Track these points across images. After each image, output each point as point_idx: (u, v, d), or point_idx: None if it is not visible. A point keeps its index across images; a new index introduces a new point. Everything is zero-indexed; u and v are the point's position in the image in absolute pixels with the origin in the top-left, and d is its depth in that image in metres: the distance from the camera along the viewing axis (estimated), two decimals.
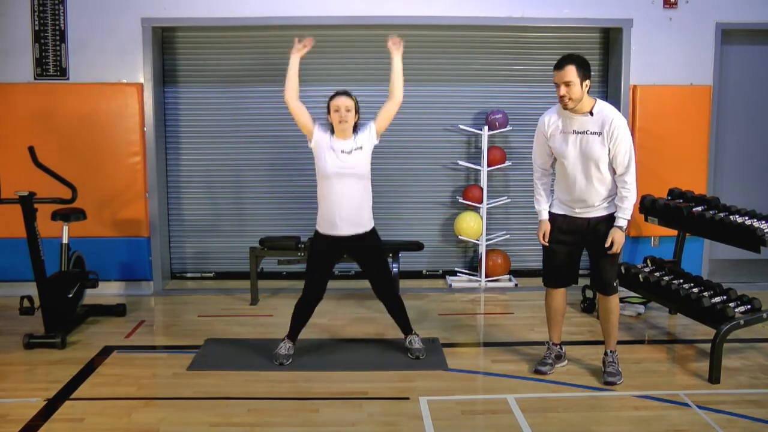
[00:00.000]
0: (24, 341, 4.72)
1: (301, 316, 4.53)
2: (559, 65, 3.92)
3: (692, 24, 6.17)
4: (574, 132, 3.97)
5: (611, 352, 4.23)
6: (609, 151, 3.92)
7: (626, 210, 3.98)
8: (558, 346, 4.40)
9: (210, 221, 6.61)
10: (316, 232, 4.41)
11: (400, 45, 4.32)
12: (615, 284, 4.16)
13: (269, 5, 6.03)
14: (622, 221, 3.99)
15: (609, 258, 4.07)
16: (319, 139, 4.29)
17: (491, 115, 6.32)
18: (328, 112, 4.31)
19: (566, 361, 4.44)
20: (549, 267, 4.27)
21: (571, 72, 3.86)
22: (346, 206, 4.27)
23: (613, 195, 4.04)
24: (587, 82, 3.90)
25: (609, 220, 4.05)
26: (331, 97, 4.31)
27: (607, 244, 3.99)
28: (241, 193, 6.56)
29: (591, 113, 3.93)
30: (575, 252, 4.20)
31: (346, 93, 4.31)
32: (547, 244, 4.21)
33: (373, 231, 4.43)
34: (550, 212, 4.21)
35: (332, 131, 4.31)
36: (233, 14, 6.04)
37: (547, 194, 4.23)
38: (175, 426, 3.64)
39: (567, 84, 3.86)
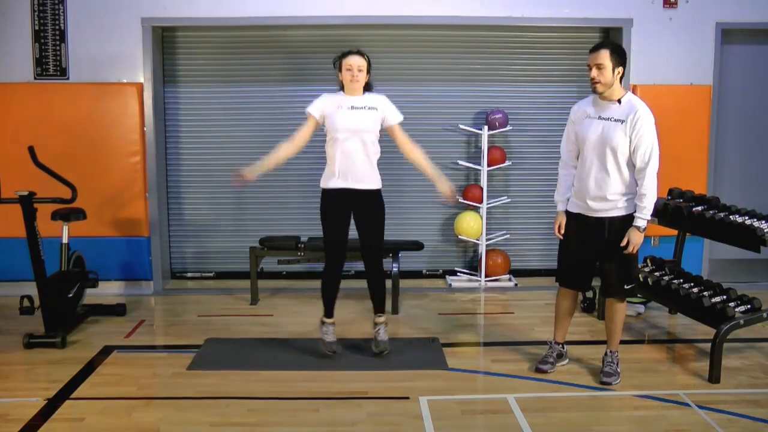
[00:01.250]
0: (24, 341, 4.72)
1: (330, 286, 4.54)
2: (595, 48, 3.95)
3: (692, 24, 6.17)
4: (600, 118, 3.97)
5: (611, 352, 4.23)
6: (630, 141, 3.88)
7: (645, 210, 3.90)
8: (560, 345, 4.40)
9: (210, 221, 6.61)
10: (323, 190, 4.41)
11: (448, 196, 4.61)
12: (627, 288, 4.10)
13: (269, 5, 6.03)
14: (640, 221, 3.92)
15: (619, 261, 4.03)
16: (324, 107, 4.34)
17: (491, 115, 6.32)
18: (339, 70, 4.34)
19: (567, 360, 4.44)
20: (562, 265, 4.26)
21: (604, 55, 3.87)
22: (354, 160, 4.29)
23: (629, 194, 3.97)
24: (620, 69, 3.91)
25: (623, 221, 3.98)
26: (344, 55, 4.34)
27: (623, 243, 3.94)
28: (241, 193, 6.55)
29: (619, 102, 3.94)
30: (589, 253, 4.13)
31: (359, 52, 4.33)
32: (561, 236, 4.21)
33: (380, 193, 4.45)
34: (567, 211, 4.18)
35: (341, 88, 4.36)
36: (233, 14, 6.04)
37: (568, 186, 4.20)
38: (175, 426, 3.64)
39: (599, 67, 3.88)
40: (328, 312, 4.60)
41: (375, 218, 4.46)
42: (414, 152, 4.49)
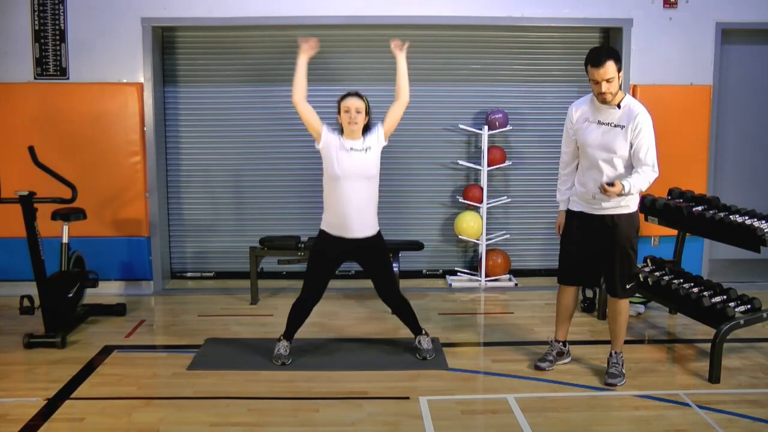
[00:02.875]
0: (24, 341, 4.72)
1: (298, 316, 4.51)
2: (598, 61, 3.81)
3: (692, 24, 6.17)
4: (599, 123, 3.96)
5: (616, 353, 4.21)
6: (631, 145, 3.88)
7: (632, 181, 3.79)
8: (561, 344, 4.40)
9: (210, 221, 6.61)
10: (322, 231, 4.38)
11: (403, 47, 4.30)
12: (628, 287, 4.11)
13: (270, 5, 6.03)
14: (627, 185, 3.79)
15: (621, 259, 4.04)
16: (328, 141, 4.26)
17: (491, 115, 6.32)
18: (338, 113, 4.31)
19: (570, 358, 4.44)
20: (562, 264, 4.27)
21: (611, 68, 3.81)
22: (355, 208, 4.23)
23: (630, 195, 3.98)
24: (621, 73, 3.88)
25: (624, 218, 4.00)
26: (342, 98, 4.30)
27: (605, 182, 3.82)
28: (241, 193, 6.56)
29: (618, 106, 3.92)
30: (590, 251, 4.14)
31: (357, 94, 4.29)
32: (559, 234, 4.23)
33: (379, 234, 4.41)
34: (568, 210, 4.20)
35: (341, 131, 4.31)
36: (233, 14, 6.04)
37: (568, 186, 4.21)
38: (175, 426, 3.64)
39: (609, 81, 3.82)
40: (289, 334, 4.50)
41: (380, 261, 4.43)
42: (398, 94, 4.31)
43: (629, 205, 4.02)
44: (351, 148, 4.23)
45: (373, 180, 4.29)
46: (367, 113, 4.30)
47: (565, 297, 4.32)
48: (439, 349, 4.70)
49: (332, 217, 4.30)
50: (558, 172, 4.28)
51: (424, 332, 4.60)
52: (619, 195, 3.82)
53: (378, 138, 4.31)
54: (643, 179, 3.86)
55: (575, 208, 4.16)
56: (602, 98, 3.88)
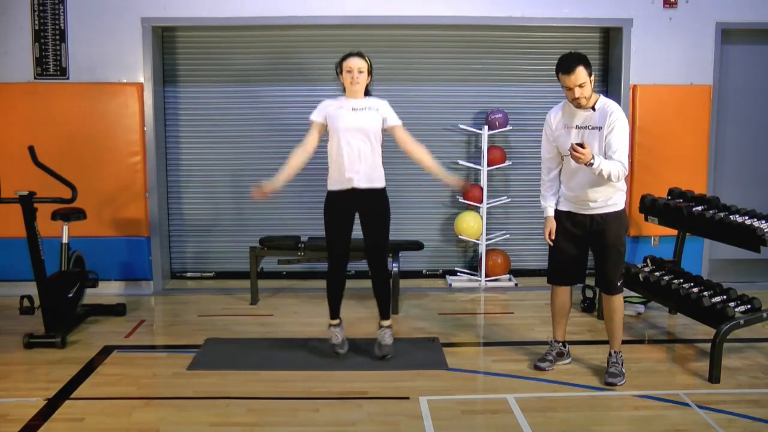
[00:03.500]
0: (24, 341, 4.72)
1: (335, 287, 4.55)
2: (568, 68, 3.87)
3: (692, 24, 6.17)
4: (577, 127, 3.99)
5: (615, 353, 4.22)
6: (605, 140, 3.90)
7: (603, 160, 3.78)
8: (561, 344, 4.41)
9: (210, 221, 6.61)
10: (328, 192, 4.43)
11: (458, 185, 4.72)
12: (619, 284, 4.15)
13: (270, 5, 6.02)
14: (597, 158, 3.76)
15: (612, 257, 4.08)
16: (326, 111, 4.35)
17: (491, 115, 6.32)
18: (340, 73, 4.34)
19: (570, 358, 4.44)
20: (553, 264, 4.28)
21: (582, 73, 3.86)
22: (357, 160, 4.29)
23: (618, 190, 4.03)
24: (592, 77, 3.92)
25: (613, 217, 4.04)
26: (344, 58, 4.34)
27: (576, 142, 3.80)
28: (241, 193, 6.56)
29: (594, 109, 3.95)
30: (581, 250, 4.20)
31: (359, 54, 4.33)
32: (551, 243, 4.23)
33: (385, 192, 4.45)
34: (555, 209, 4.21)
35: (343, 90, 4.37)
36: (233, 14, 6.04)
37: (553, 192, 4.22)
38: (175, 426, 3.64)
39: (581, 86, 3.86)
40: (334, 312, 4.60)
41: (380, 218, 4.46)
42: (417, 151, 4.48)
43: (617, 203, 4.06)
44: (352, 108, 4.31)
45: (373, 137, 4.33)
46: (370, 73, 4.36)
47: (558, 297, 4.33)
48: (438, 349, 4.70)
49: (335, 172, 4.36)
50: (541, 179, 4.28)
51: (389, 323, 4.60)
52: (587, 164, 3.76)
53: (386, 116, 4.36)
54: (613, 166, 3.82)
55: (563, 207, 4.19)
56: (577, 103, 3.93)
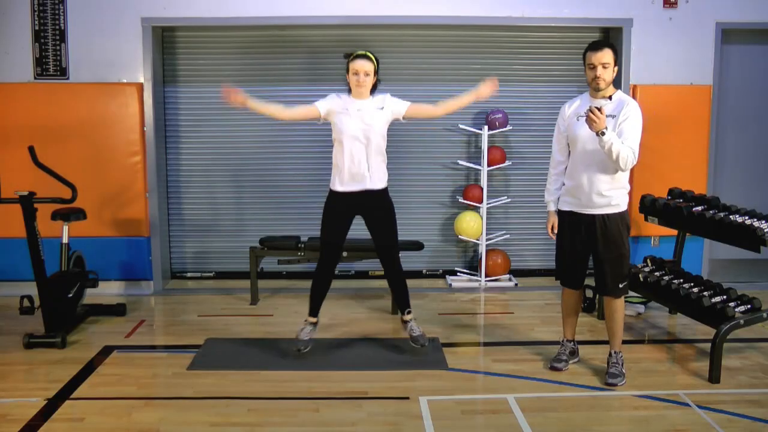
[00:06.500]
0: (24, 341, 4.72)
1: (322, 285, 4.53)
2: (598, 46, 3.96)
3: (692, 24, 6.17)
4: (577, 117, 4.01)
5: (615, 353, 4.22)
6: (618, 127, 3.89)
7: (616, 139, 3.78)
8: (572, 342, 4.42)
9: (210, 221, 6.61)
10: (330, 191, 4.45)
11: (491, 88, 4.39)
12: (621, 286, 4.13)
13: (269, 5, 6.02)
14: (611, 133, 3.77)
15: (613, 260, 4.06)
16: (331, 107, 4.35)
17: (491, 115, 6.32)
18: (347, 72, 4.36)
19: (578, 357, 4.46)
20: (561, 266, 4.29)
21: (608, 54, 3.93)
22: (361, 161, 4.31)
23: (621, 188, 4.02)
24: (616, 68, 3.99)
25: (614, 217, 4.03)
26: (352, 58, 4.34)
27: (593, 107, 3.81)
28: (241, 193, 6.56)
29: (610, 98, 3.99)
30: (584, 251, 4.17)
31: (366, 56, 4.34)
32: (554, 236, 4.25)
33: (387, 191, 4.47)
34: (558, 210, 4.22)
35: (349, 91, 4.39)
36: (233, 14, 6.04)
37: (557, 186, 4.24)
38: (175, 426, 3.64)
39: (605, 66, 3.91)
40: (314, 310, 4.58)
41: (386, 218, 4.48)
42: (442, 107, 4.50)
43: (619, 204, 4.05)
44: (358, 109, 4.32)
45: (378, 138, 4.34)
46: (376, 73, 4.37)
47: (569, 296, 4.34)
48: (438, 349, 4.70)
49: (340, 173, 4.37)
50: (548, 172, 4.31)
51: (412, 315, 4.60)
52: (598, 133, 3.75)
53: (395, 108, 4.38)
54: (623, 147, 3.81)
55: (565, 208, 4.19)
56: (596, 83, 3.95)
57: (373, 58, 4.35)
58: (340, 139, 4.33)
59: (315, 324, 4.59)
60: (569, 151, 4.15)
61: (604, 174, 3.96)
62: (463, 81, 6.48)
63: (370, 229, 4.50)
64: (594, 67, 3.93)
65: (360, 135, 4.29)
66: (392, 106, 4.39)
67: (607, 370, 4.20)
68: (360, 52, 4.35)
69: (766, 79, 6.55)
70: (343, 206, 4.42)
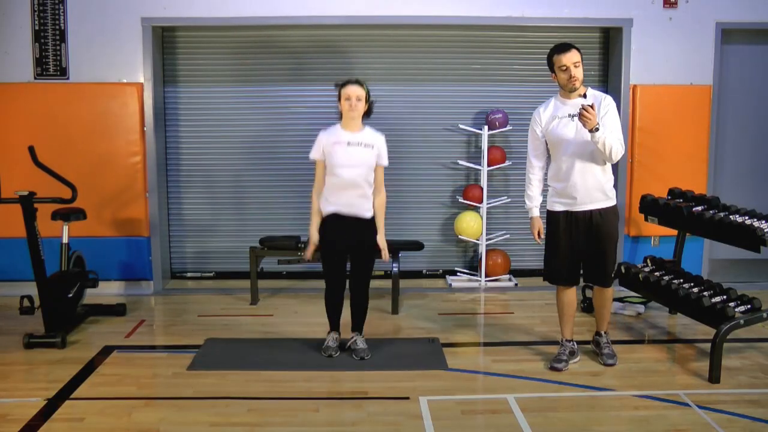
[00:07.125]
0: (24, 341, 4.72)
1: (333, 306, 4.59)
2: (565, 48, 4.06)
3: (692, 24, 6.17)
4: (570, 116, 4.08)
5: (605, 333, 4.42)
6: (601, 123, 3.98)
7: (608, 134, 3.91)
8: (571, 342, 4.43)
9: (210, 221, 6.61)
10: (323, 217, 4.47)
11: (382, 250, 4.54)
12: (613, 275, 4.33)
13: (269, 5, 6.02)
14: (602, 128, 3.91)
15: (611, 251, 4.20)
16: (324, 147, 4.37)
17: (491, 115, 6.32)
18: (339, 99, 4.38)
19: (579, 356, 4.47)
20: (555, 265, 4.31)
21: (576, 53, 4.06)
22: (350, 192, 4.35)
23: (610, 182, 4.15)
24: (582, 66, 4.10)
25: (608, 211, 4.16)
26: (343, 85, 4.37)
27: (585, 105, 3.89)
28: (241, 193, 6.56)
29: (584, 96, 4.06)
30: (582, 247, 4.23)
31: (357, 82, 4.36)
32: (540, 241, 4.36)
33: (373, 222, 4.48)
34: (552, 212, 4.25)
35: (340, 117, 4.40)
36: (233, 14, 6.04)
37: (539, 191, 4.34)
38: (175, 426, 3.64)
39: (576, 65, 4.01)
40: (333, 325, 4.65)
41: (367, 246, 4.51)
42: (378, 197, 4.50)
43: (612, 197, 4.19)
44: (348, 142, 4.34)
45: (368, 170, 4.38)
46: (367, 100, 4.38)
47: (565, 295, 4.36)
48: (438, 349, 4.70)
49: (329, 198, 4.39)
50: (526, 178, 4.37)
51: (361, 333, 4.65)
52: (591, 130, 3.87)
53: (378, 152, 4.40)
54: (614, 141, 3.94)
55: (559, 208, 4.23)
56: (572, 84, 4.04)
57: (364, 85, 4.38)
58: (332, 170, 4.36)
59: (337, 333, 4.65)
60: (547, 155, 4.24)
61: (595, 168, 4.08)
62: (463, 81, 6.50)
63: (351, 253, 4.52)
64: (567, 69, 4.03)
65: (350, 167, 4.33)
66: (379, 151, 4.41)
67: (600, 351, 4.31)
68: (351, 79, 4.39)
69: (766, 79, 6.55)
70: (336, 229, 4.43)
